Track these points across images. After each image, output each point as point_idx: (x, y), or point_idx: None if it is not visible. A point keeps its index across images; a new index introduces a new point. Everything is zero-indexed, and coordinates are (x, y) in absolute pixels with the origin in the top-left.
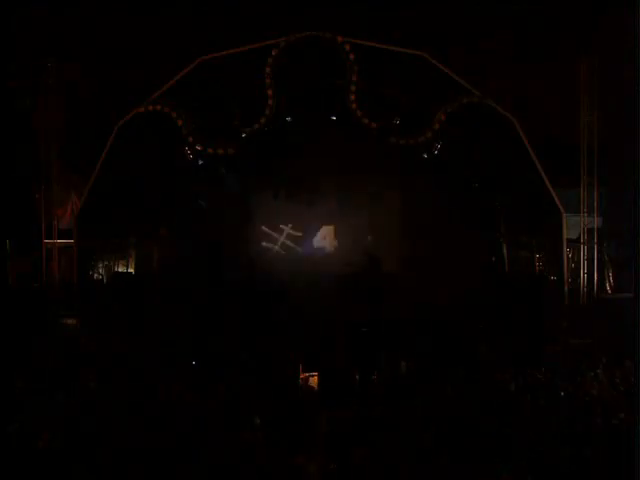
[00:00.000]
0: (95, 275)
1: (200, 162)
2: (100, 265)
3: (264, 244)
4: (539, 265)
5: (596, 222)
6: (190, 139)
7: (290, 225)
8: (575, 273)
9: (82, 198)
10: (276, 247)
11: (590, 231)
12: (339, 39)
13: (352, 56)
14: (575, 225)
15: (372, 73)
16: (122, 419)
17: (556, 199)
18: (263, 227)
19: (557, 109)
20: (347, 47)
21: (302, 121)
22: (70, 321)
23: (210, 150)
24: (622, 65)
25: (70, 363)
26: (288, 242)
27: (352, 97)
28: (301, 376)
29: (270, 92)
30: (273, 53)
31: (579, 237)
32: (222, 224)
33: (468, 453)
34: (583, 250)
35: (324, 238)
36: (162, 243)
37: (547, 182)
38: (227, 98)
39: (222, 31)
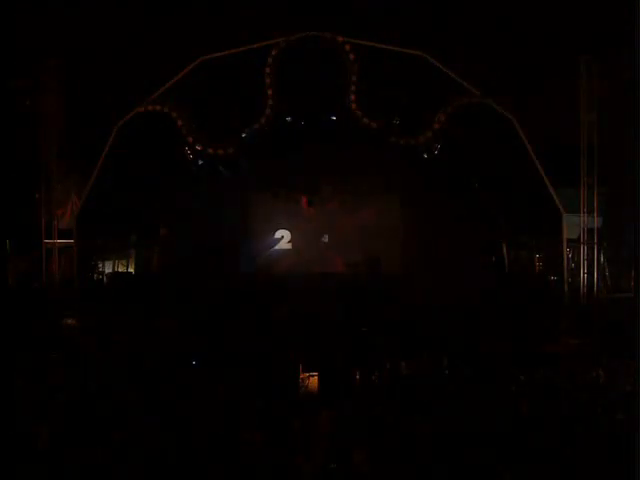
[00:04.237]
0: (95, 275)
1: (200, 162)
2: (100, 265)
3: (264, 244)
4: (539, 265)
5: (596, 222)
6: (190, 139)
7: (290, 225)
8: (575, 273)
9: (82, 198)
10: (277, 247)
11: (590, 231)
12: (339, 39)
13: (352, 56)
14: (575, 225)
15: (372, 73)
16: (122, 419)
17: (556, 199)
18: (263, 227)
19: (557, 109)
20: (347, 47)
21: (302, 121)
22: (70, 321)
23: (210, 150)
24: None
25: (70, 363)
26: (289, 242)
27: (352, 97)
28: (301, 376)
29: (270, 92)
30: (273, 53)
31: (579, 237)
32: (222, 224)
33: (468, 454)
34: (583, 250)
35: (323, 238)
36: (162, 243)
37: (547, 182)
38: (227, 98)
39: (222, 31)
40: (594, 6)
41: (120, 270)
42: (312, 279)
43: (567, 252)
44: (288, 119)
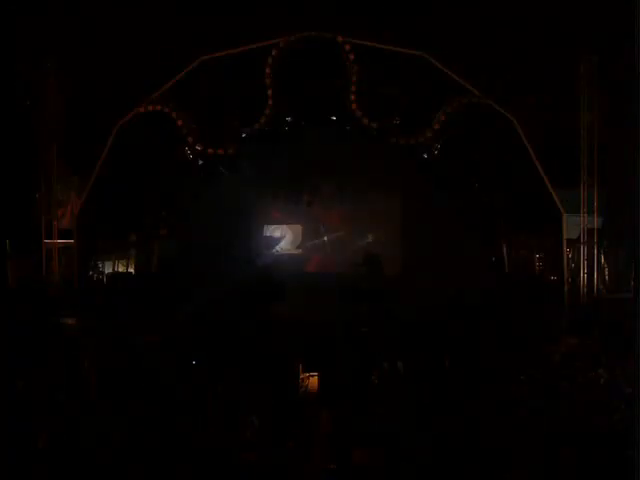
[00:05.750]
0: (95, 275)
1: (200, 162)
2: (100, 265)
3: (264, 244)
4: (539, 265)
5: (596, 222)
6: (190, 139)
7: (290, 225)
8: (575, 273)
9: (82, 198)
10: (277, 248)
11: (590, 231)
12: (339, 39)
13: (352, 56)
14: (575, 225)
15: (372, 73)
16: (122, 418)
17: (556, 199)
18: (263, 227)
19: (557, 109)
20: (347, 47)
21: (302, 121)
22: (70, 321)
23: (210, 150)
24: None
25: (70, 363)
26: (289, 242)
27: (352, 97)
28: (301, 376)
29: (270, 92)
30: (273, 53)
31: (579, 237)
32: (222, 225)
33: (468, 454)
34: (583, 250)
35: (324, 238)
36: (162, 243)
37: (547, 182)
38: (227, 98)
39: (222, 31)
40: (594, 5)
41: (120, 270)
42: (312, 279)
43: (567, 252)
44: (288, 119)
